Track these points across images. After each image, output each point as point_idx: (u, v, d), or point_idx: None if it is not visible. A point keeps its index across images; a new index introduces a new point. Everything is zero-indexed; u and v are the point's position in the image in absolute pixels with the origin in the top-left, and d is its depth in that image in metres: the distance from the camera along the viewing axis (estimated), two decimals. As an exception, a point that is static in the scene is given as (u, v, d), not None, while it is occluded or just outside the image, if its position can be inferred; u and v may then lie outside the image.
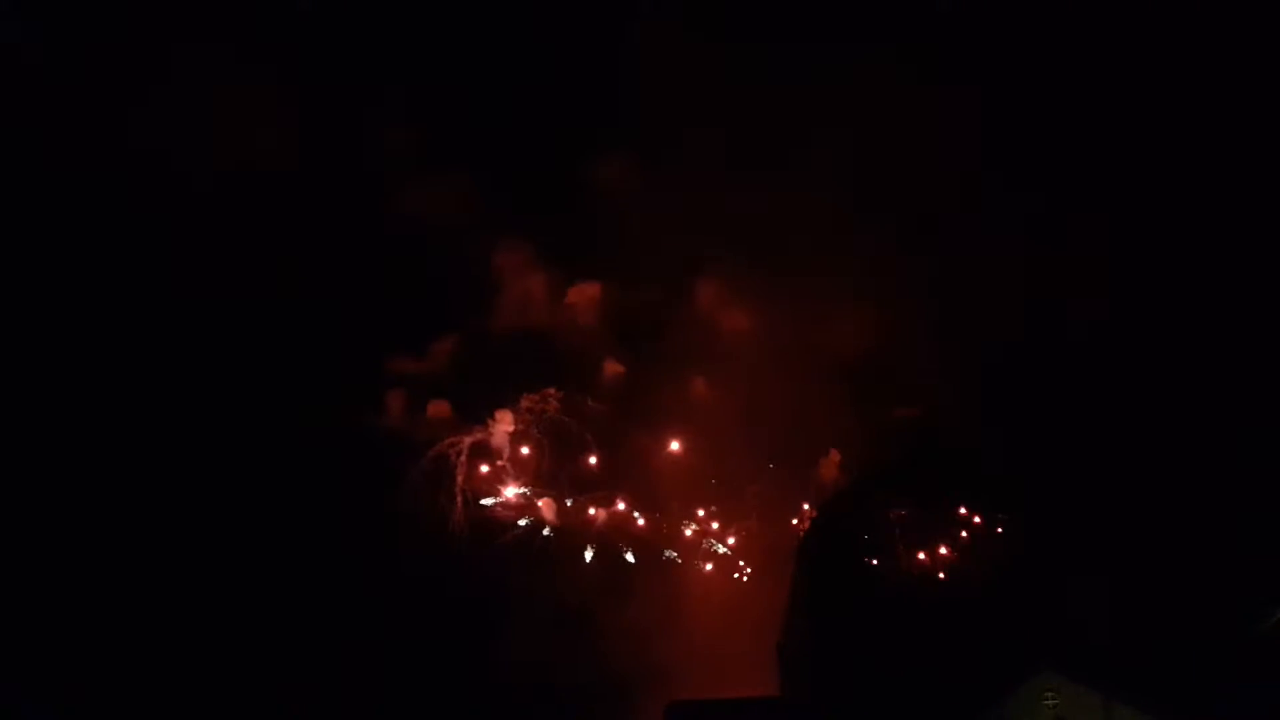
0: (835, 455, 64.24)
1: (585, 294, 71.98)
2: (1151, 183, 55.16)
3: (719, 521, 65.95)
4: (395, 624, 59.77)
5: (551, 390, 70.12)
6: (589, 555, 66.89)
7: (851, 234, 60.80)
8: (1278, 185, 51.39)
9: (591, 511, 68.10)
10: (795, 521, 61.30)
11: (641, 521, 66.59)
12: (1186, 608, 43.08)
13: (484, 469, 69.13)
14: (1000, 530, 46.20)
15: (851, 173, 62.10)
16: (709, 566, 65.94)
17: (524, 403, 69.89)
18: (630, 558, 64.87)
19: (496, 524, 68.71)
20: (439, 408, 69.53)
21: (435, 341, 69.50)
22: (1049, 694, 42.20)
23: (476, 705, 56.20)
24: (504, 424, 69.77)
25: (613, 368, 70.00)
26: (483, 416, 69.51)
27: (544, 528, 67.92)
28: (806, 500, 63.22)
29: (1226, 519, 45.17)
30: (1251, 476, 45.42)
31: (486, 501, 69.13)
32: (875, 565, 49.24)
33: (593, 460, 69.45)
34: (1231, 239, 52.98)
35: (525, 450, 69.47)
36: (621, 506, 68.47)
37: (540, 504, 68.55)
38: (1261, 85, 52.09)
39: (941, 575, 46.41)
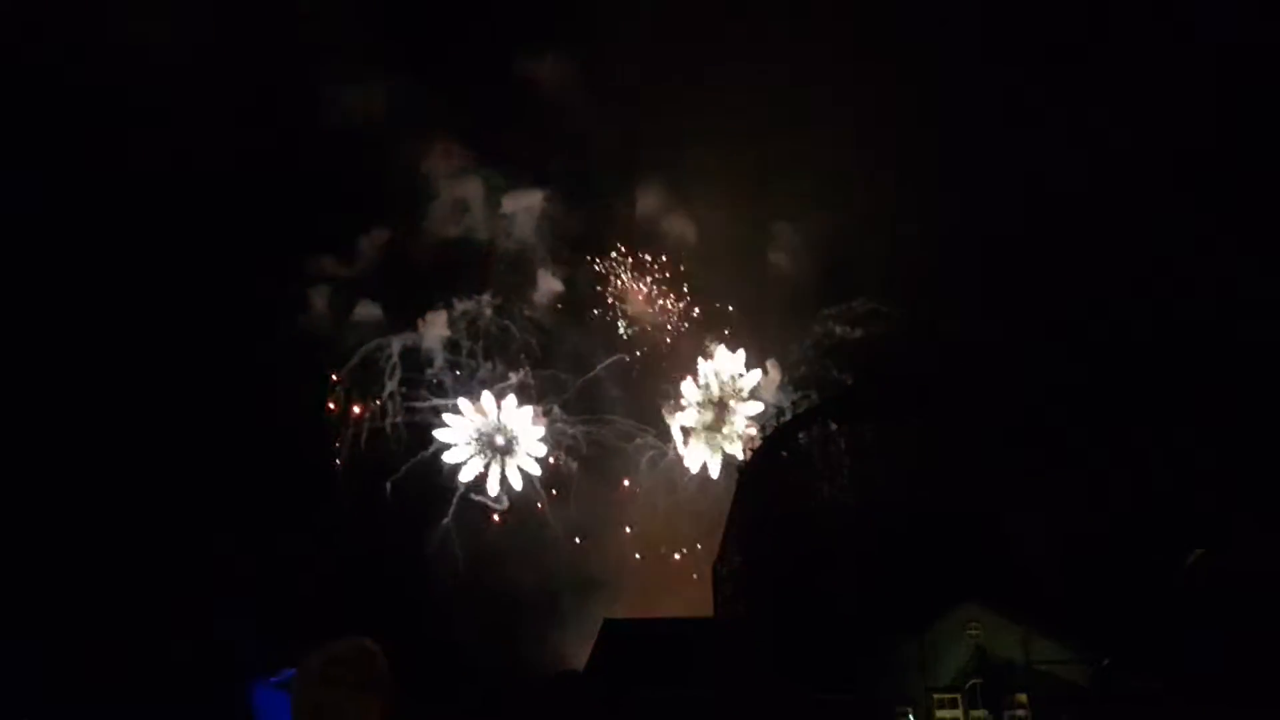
0: (776, 370, 64.91)
1: (523, 203, 70.36)
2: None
3: (659, 434, 66.42)
4: (326, 525, 59.65)
5: (486, 296, 69.14)
6: (531, 463, 66.88)
7: (799, 142, 60.03)
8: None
9: (529, 418, 67.84)
10: (738, 439, 62.23)
11: (581, 430, 66.69)
12: (1107, 549, 44.70)
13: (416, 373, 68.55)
14: (936, 463, 47.17)
15: (798, 76, 60.93)
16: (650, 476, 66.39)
17: (458, 307, 68.89)
18: (573, 465, 65.28)
19: (429, 428, 68.46)
20: (367, 310, 68.29)
21: (364, 243, 67.71)
22: (972, 625, 44.23)
23: (405, 608, 56.51)
24: (436, 328, 68.99)
25: (550, 282, 68.98)
26: (413, 321, 68.75)
27: (480, 434, 67.68)
28: (749, 416, 64.10)
29: (1145, 466, 46.60)
30: (1171, 426, 46.82)
31: (419, 405, 68.72)
32: (812, 493, 50.26)
33: (528, 368, 68.87)
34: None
35: (459, 355, 68.96)
36: (559, 412, 68.46)
37: (475, 408, 68.10)
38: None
39: (877, 505, 47.51)
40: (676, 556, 60.95)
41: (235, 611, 50.54)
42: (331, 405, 67.51)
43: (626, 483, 64.55)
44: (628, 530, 62.45)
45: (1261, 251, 48.16)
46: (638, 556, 60.47)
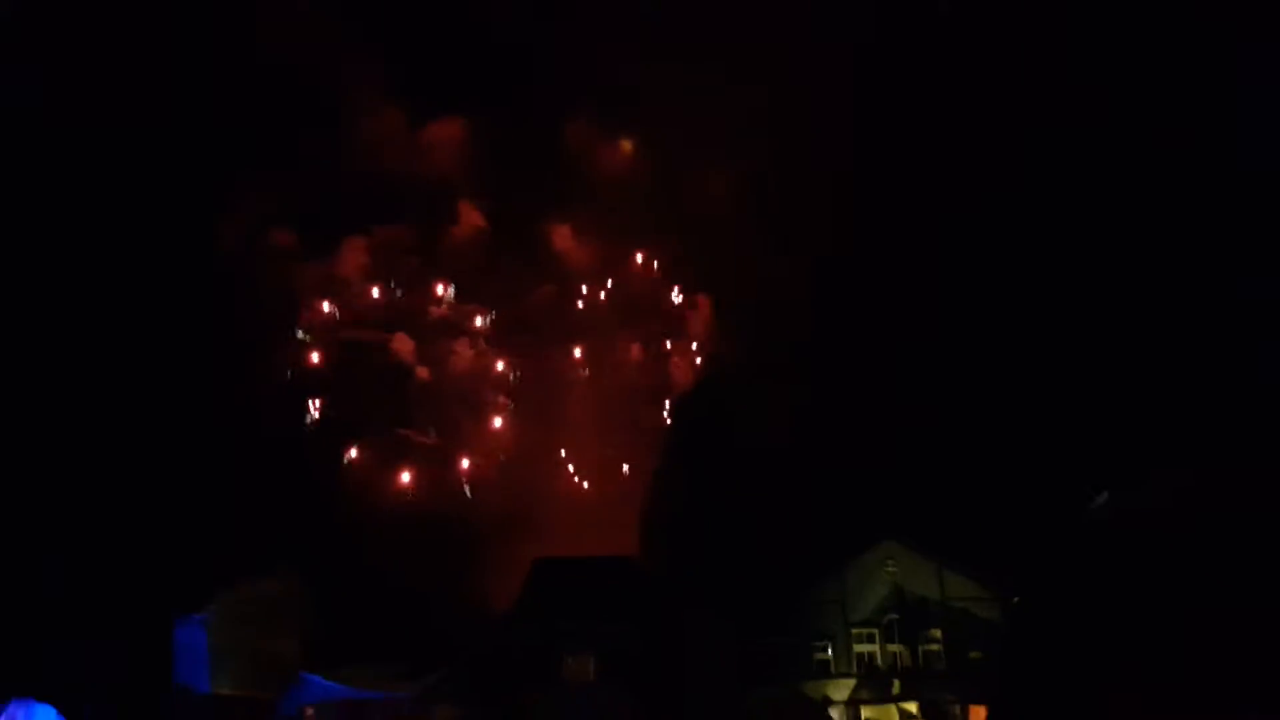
0: (705, 303, 65.16)
1: (444, 132, 69.23)
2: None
3: (589, 367, 66.56)
4: (241, 461, 59.04)
5: (404, 226, 68.28)
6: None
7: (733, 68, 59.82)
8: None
9: (452, 351, 67.67)
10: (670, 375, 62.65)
11: (506, 365, 66.62)
12: (1024, 489, 46.13)
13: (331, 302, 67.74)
14: (846, 405, 48.38)
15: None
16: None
17: (376, 237, 67.99)
18: (503, 400, 65.32)
19: (348, 357, 67.93)
20: (282, 237, 66.95)
21: (278, 171, 65.07)
22: (889, 562, 45.66)
23: (333, 547, 56.37)
24: (353, 255, 68.13)
25: (471, 214, 68.20)
26: (329, 250, 67.72)
27: (401, 365, 67.31)
28: (676, 354, 64.54)
29: (1058, 402, 48.06)
30: (1089, 360, 48.23)
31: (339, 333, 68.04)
32: (738, 436, 51.11)
33: (448, 296, 68.37)
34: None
35: (375, 287, 68.28)
36: (483, 346, 68.24)
37: (394, 339, 67.73)
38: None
39: (792, 447, 48.56)
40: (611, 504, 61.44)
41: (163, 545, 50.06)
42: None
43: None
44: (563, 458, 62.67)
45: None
46: (581, 483, 60.52)
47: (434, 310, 66.69)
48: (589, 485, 61.90)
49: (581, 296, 67.12)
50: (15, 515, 46.06)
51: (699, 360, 63.67)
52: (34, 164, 55.73)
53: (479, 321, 66.42)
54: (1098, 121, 51.80)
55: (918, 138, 57.08)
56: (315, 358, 66.97)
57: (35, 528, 47.72)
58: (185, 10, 60.21)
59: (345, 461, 62.79)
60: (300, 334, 65.70)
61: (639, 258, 68.39)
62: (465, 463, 64.08)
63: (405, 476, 64.25)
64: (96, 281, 57.24)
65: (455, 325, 66.87)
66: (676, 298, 67.40)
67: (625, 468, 62.25)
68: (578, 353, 65.44)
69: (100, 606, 45.65)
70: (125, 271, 58.45)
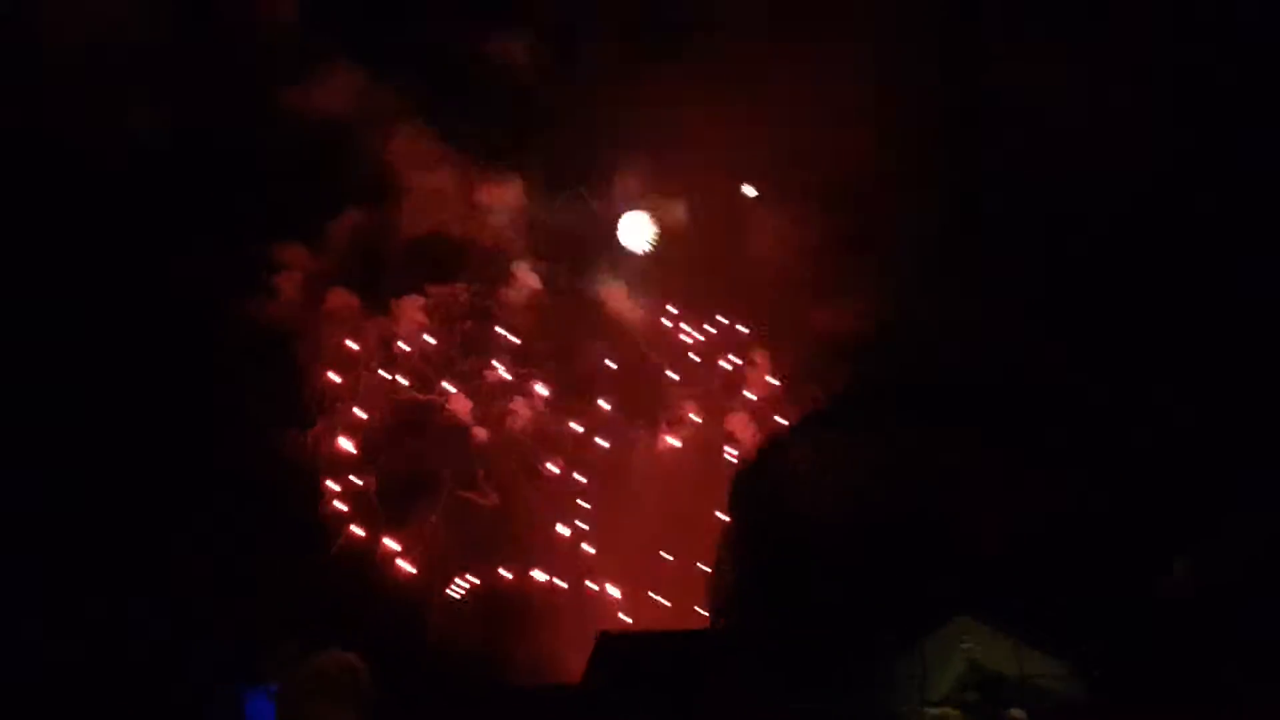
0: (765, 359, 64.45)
1: (500, 195, 69.24)
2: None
3: (647, 429, 65.91)
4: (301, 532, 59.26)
5: (462, 285, 68.30)
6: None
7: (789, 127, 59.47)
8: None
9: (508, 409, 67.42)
10: (729, 439, 61.97)
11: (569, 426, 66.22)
12: (1098, 559, 45.10)
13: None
14: (928, 473, 47.49)
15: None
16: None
17: (432, 295, 68.07)
18: (552, 468, 64.81)
19: (408, 417, 67.88)
20: (338, 297, 67.20)
21: (331, 232, 65.36)
22: (965, 638, 44.50)
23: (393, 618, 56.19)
24: (411, 314, 68.30)
25: (527, 278, 67.93)
26: (385, 308, 67.87)
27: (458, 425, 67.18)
28: (743, 409, 63.71)
29: (1133, 472, 47.04)
30: (1161, 432, 47.22)
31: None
32: (806, 504, 50.27)
33: (503, 363, 68.25)
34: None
35: (433, 342, 68.19)
36: (543, 407, 67.95)
37: (450, 396, 67.61)
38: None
39: (870, 516, 47.68)
40: (669, 557, 60.71)
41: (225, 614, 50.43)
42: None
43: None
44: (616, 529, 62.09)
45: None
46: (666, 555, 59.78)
47: (490, 373, 66.45)
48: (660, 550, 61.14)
49: (638, 360, 66.65)
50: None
51: (756, 421, 63.12)
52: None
53: (539, 387, 66.15)
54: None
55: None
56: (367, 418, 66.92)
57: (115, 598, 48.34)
58: (230, 64, 60.76)
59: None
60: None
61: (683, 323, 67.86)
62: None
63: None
64: (156, 349, 57.72)
65: (513, 387, 66.57)
66: (731, 359, 66.69)
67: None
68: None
69: (179, 679, 46.29)
70: (182, 339, 58.92)
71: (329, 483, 62.79)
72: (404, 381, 67.00)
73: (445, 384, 67.23)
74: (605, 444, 65.50)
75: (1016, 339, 51.07)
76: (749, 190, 66.80)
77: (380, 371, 67.31)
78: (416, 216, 67.36)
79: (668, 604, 54.02)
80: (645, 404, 65.89)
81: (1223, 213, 49.76)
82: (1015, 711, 42.91)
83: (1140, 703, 39.82)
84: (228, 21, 60.17)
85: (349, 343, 66.26)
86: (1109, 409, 48.90)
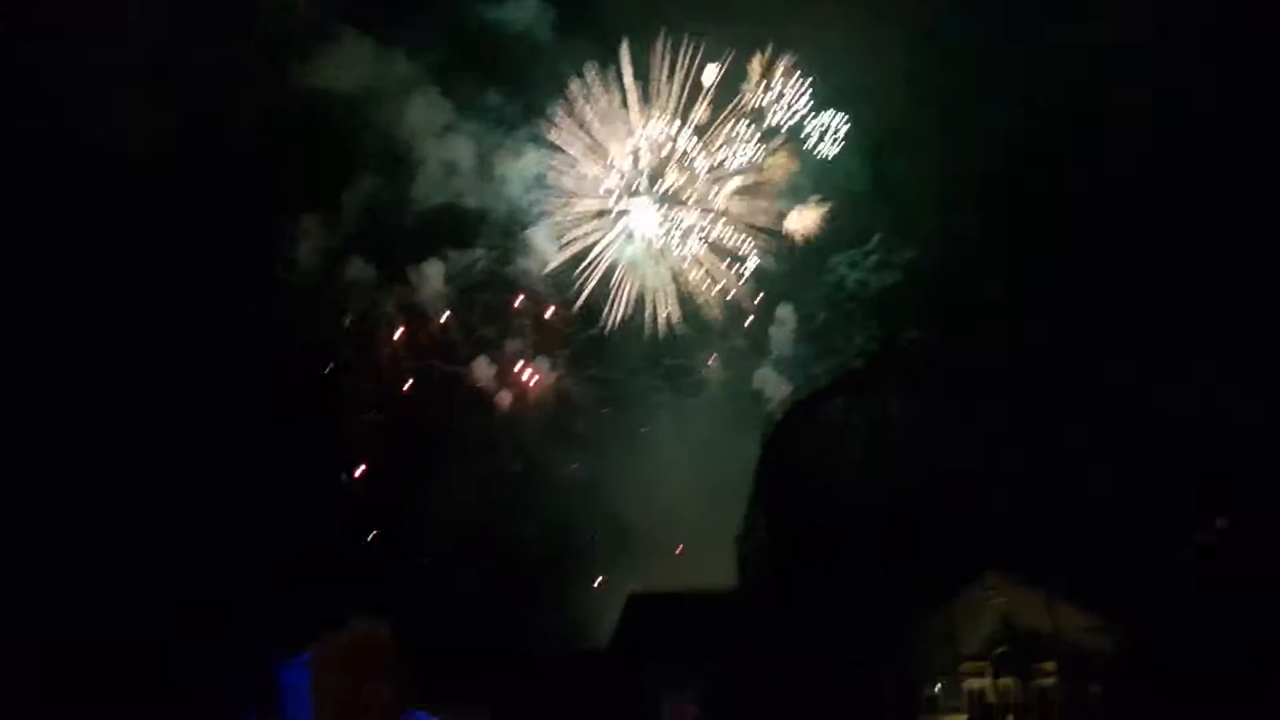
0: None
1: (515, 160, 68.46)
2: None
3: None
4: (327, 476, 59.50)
5: (481, 252, 67.81)
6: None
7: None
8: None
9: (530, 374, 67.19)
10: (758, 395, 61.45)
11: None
12: (1127, 516, 44.61)
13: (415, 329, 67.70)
14: (958, 433, 47.01)
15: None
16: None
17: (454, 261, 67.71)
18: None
19: (436, 381, 67.89)
20: (357, 265, 67.15)
21: (347, 203, 65.15)
22: (996, 594, 44.31)
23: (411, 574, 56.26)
24: (432, 282, 68.08)
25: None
26: (407, 277, 67.72)
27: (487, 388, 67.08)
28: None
29: (1169, 435, 46.39)
30: (1197, 393, 46.51)
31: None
32: (836, 464, 50.03)
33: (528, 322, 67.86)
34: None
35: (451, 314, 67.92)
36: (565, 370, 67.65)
37: (476, 364, 67.46)
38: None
39: (901, 475, 47.36)
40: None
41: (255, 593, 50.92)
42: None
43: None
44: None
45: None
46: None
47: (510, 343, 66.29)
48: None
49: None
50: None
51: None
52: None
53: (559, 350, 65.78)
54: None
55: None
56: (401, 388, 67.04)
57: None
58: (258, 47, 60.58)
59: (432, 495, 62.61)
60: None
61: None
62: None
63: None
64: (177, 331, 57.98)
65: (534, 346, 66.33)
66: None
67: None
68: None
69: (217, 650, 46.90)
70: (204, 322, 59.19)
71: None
72: (424, 348, 67.08)
73: (467, 351, 67.17)
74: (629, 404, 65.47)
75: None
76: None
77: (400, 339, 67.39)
78: (431, 187, 67.42)
79: (697, 563, 53.78)
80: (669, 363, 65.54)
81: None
82: (1047, 664, 43.24)
83: (1171, 659, 39.84)
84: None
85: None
86: (1138, 382, 48.31)
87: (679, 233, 62.48)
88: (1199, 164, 50.22)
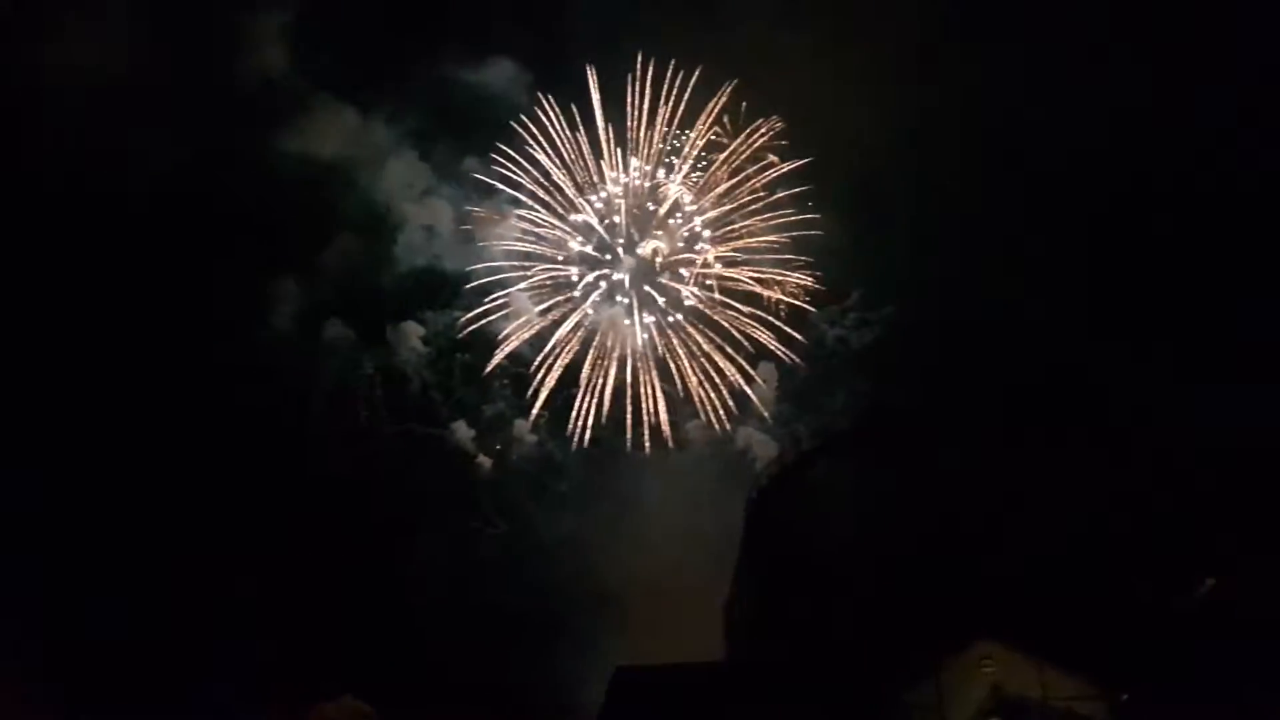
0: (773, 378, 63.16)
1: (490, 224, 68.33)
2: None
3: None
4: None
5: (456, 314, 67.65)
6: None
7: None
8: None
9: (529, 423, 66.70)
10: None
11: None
12: (1115, 580, 44.30)
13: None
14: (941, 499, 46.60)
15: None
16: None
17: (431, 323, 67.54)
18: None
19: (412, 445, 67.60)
20: (335, 328, 67.12)
21: (327, 262, 66.96)
22: (986, 662, 43.60)
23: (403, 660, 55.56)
24: (410, 341, 67.90)
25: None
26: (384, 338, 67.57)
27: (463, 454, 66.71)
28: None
29: (1153, 496, 46.17)
30: (1178, 453, 46.38)
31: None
32: (821, 531, 49.45)
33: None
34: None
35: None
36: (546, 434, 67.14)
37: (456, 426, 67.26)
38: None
39: (887, 542, 46.80)
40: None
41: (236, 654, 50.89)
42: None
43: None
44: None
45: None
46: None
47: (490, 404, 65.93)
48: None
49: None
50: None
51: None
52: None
53: (535, 411, 65.39)
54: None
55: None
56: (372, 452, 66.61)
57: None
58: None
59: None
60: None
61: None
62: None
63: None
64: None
65: (515, 411, 65.94)
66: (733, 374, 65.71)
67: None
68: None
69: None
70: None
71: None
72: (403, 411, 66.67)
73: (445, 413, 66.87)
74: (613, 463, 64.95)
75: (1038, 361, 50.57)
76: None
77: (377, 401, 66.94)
78: (411, 249, 67.40)
79: (683, 636, 53.06)
80: (651, 423, 65.16)
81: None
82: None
83: None
84: (221, 69, 60.57)
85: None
86: (1126, 431, 48.14)
87: (659, 295, 62.61)
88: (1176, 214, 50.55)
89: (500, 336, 64.14)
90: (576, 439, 63.94)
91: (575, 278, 64.79)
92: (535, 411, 65.26)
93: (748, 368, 63.60)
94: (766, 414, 63.11)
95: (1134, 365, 47.62)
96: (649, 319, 63.83)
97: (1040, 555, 44.84)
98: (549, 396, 64.43)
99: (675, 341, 63.73)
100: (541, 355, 64.11)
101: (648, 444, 62.92)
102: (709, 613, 54.13)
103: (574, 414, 63.73)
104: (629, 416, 62.98)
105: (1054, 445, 46.84)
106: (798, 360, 61.07)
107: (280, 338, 65.99)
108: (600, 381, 63.35)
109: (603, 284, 64.75)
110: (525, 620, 61.26)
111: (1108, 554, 44.91)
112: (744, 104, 62.77)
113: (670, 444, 64.82)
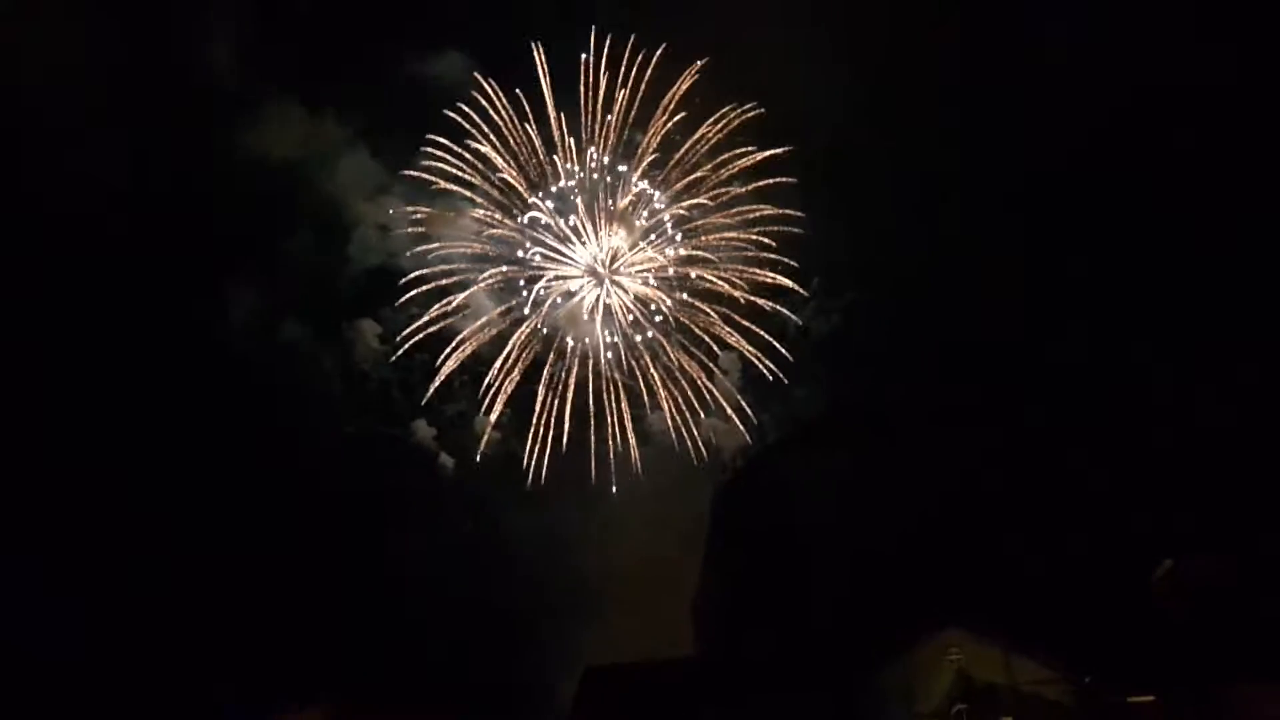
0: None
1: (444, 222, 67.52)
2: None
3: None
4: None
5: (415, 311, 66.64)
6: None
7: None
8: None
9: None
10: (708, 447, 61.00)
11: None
12: (1078, 565, 44.87)
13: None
14: (912, 488, 46.88)
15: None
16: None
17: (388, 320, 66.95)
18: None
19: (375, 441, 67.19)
20: (292, 327, 66.53)
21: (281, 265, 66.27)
22: (953, 650, 44.06)
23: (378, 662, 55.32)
24: (366, 338, 67.31)
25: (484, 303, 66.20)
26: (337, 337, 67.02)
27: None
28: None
29: (1113, 483, 46.75)
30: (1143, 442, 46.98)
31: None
32: (790, 521, 49.66)
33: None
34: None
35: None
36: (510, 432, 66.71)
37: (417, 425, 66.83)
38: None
39: (855, 532, 47.06)
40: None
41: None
42: None
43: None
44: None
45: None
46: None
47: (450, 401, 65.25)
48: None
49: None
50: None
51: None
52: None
53: (498, 407, 64.86)
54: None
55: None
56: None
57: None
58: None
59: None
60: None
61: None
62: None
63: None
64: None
65: (475, 407, 65.33)
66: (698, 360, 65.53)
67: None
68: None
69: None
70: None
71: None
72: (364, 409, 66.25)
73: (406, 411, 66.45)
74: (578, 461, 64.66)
75: (1010, 354, 50.87)
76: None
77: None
78: (365, 248, 66.77)
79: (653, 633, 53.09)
80: (615, 421, 64.90)
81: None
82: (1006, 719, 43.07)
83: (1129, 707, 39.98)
84: (171, 68, 59.64)
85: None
86: (1086, 418, 48.67)
87: (620, 292, 62.30)
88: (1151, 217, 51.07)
89: (459, 338, 63.74)
90: (538, 436, 63.53)
91: (532, 277, 64.39)
92: (496, 411, 64.76)
93: (708, 362, 63.45)
94: (728, 407, 63.01)
95: (1094, 351, 47.96)
96: (610, 314, 63.48)
97: (1005, 543, 45.33)
98: (511, 394, 64.07)
99: (637, 339, 63.48)
100: (502, 357, 63.48)
101: (611, 439, 62.69)
102: (679, 603, 54.27)
103: (536, 411, 63.31)
104: (591, 412, 62.65)
105: (1016, 434, 47.29)
106: (768, 364, 60.70)
107: (237, 336, 65.40)
108: (562, 378, 63.05)
109: (561, 282, 64.36)
110: (496, 617, 61.13)
111: (1070, 540, 45.46)
112: (698, 98, 62.29)
113: (633, 438, 64.55)
